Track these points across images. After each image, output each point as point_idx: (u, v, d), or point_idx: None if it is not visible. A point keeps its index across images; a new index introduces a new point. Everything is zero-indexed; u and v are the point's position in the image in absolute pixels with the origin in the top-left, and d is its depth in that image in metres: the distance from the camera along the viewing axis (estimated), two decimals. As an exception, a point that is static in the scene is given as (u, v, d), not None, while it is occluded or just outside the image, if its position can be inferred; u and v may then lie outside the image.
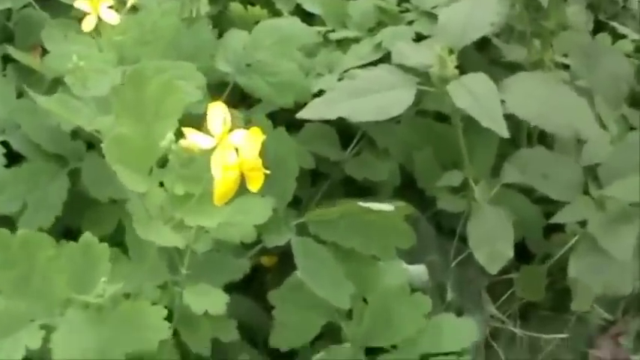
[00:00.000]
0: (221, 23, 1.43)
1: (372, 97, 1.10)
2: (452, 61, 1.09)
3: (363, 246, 1.14)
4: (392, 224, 1.13)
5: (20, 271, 0.84)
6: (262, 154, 0.77)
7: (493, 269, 1.18)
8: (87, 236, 0.86)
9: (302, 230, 1.16)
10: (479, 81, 1.09)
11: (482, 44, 1.42)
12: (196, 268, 1.06)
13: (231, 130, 0.77)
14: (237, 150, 0.76)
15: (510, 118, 1.35)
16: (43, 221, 1.18)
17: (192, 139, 0.76)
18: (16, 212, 1.19)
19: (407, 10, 1.43)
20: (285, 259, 1.29)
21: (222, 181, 0.75)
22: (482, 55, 1.43)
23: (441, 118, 1.40)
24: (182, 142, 0.77)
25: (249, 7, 1.43)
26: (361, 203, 1.10)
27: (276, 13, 1.46)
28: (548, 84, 1.12)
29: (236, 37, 1.29)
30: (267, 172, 0.77)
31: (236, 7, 1.44)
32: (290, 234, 1.14)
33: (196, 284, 1.04)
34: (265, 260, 1.31)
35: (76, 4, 1.07)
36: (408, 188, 1.37)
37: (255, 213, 1.05)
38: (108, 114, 1.00)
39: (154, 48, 1.13)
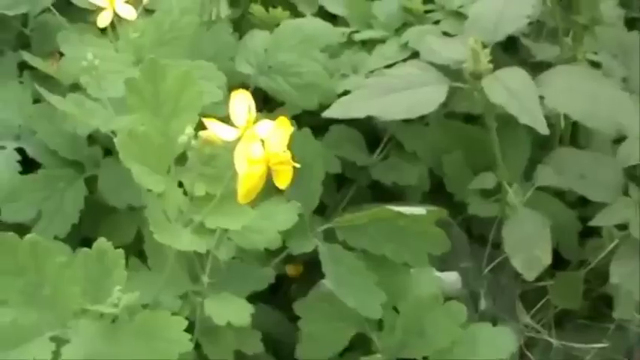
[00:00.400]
0: (242, 26, 1.35)
1: (402, 94, 1.02)
2: (485, 56, 1.00)
3: (394, 253, 1.05)
4: (424, 229, 1.04)
5: (29, 279, 0.76)
6: (290, 148, 0.68)
7: (530, 276, 1.09)
8: (101, 242, 0.78)
9: (329, 237, 1.07)
10: (515, 75, 1.00)
11: (510, 45, 1.34)
12: (218, 276, 0.98)
13: (255, 121, 0.69)
14: (262, 142, 0.68)
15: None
16: (59, 230, 1.10)
17: (214, 129, 0.68)
18: (32, 220, 1.11)
19: (432, 10, 1.35)
20: (310, 268, 1.21)
21: (247, 177, 0.66)
22: (510, 56, 1.35)
23: (470, 119, 1.31)
24: (202, 133, 0.68)
25: (270, 9, 1.35)
26: (392, 207, 1.01)
27: (298, 15, 1.38)
28: (590, 77, 1.03)
29: (257, 38, 1.21)
30: (297, 165, 0.69)
31: (257, 10, 1.36)
32: (317, 241, 1.05)
33: (219, 294, 0.96)
34: (290, 269, 1.22)
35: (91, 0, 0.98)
36: (437, 193, 1.29)
37: (280, 218, 0.97)
38: (124, 115, 0.92)
39: (173, 48, 1.05)
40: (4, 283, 0.75)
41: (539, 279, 1.21)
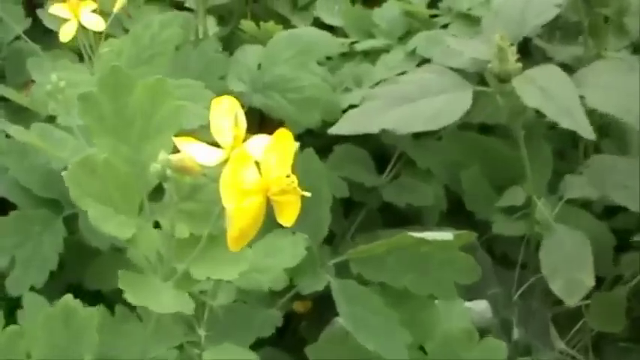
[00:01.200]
0: (232, 44, 1.17)
1: (420, 104, 0.83)
2: (513, 54, 0.81)
3: (417, 285, 0.86)
4: (451, 257, 0.85)
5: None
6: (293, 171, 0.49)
7: (572, 301, 0.90)
8: (67, 300, 0.58)
9: (342, 270, 0.88)
10: (550, 74, 0.82)
11: (521, 47, 1.16)
12: (218, 324, 0.79)
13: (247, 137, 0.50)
14: (258, 165, 0.48)
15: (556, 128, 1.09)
16: (35, 279, 0.92)
17: (189, 151, 0.48)
18: (3, 270, 0.92)
19: (437, 15, 1.16)
20: (321, 303, 1.03)
21: (239, 213, 0.47)
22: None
23: (485, 130, 1.13)
24: (173, 157, 0.49)
25: (262, 23, 1.17)
26: (413, 233, 0.82)
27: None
28: (631, 73, 0.84)
29: (249, 52, 1.03)
30: (306, 194, 0.49)
31: (248, 25, 1.18)
32: (328, 276, 0.86)
33: (219, 344, 0.77)
34: (298, 306, 1.03)
35: (51, 10, 0.80)
36: (456, 212, 1.10)
37: (285, 254, 0.78)
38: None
39: (154, 67, 0.87)
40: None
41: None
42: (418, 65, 1.05)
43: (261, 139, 0.50)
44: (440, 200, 1.05)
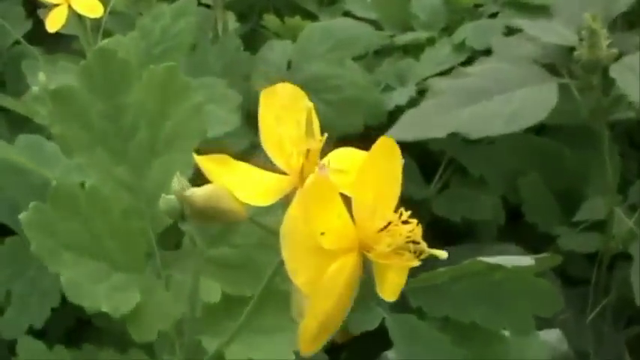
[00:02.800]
0: (253, 43, 0.98)
1: (496, 100, 0.63)
2: (605, 38, 0.62)
3: (487, 318, 0.66)
4: (529, 285, 0.65)
5: None
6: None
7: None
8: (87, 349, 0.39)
9: (397, 303, 0.68)
10: (652, 62, 0.61)
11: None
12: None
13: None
14: (347, 200, 0.27)
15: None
16: (34, 318, 0.72)
17: (224, 179, 0.27)
18: (-1, 306, 0.73)
19: (481, 5, 0.97)
20: (363, 334, 0.83)
21: (321, 290, 0.25)
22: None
23: (538, 131, 0.94)
24: (192, 193, 0.28)
25: (286, 18, 0.98)
26: (484, 259, 0.62)
27: (319, 25, 1.00)
28: None
29: (277, 49, 0.84)
30: (443, 254, 0.30)
31: (271, 21, 0.99)
32: (382, 311, 0.66)
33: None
34: (339, 337, 0.83)
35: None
36: (512, 225, 0.90)
37: (280, 351, 0.57)
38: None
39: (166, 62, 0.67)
40: None
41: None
42: (469, 59, 0.85)
43: (344, 155, 0.30)
44: (498, 212, 0.86)
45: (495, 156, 0.88)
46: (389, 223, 0.27)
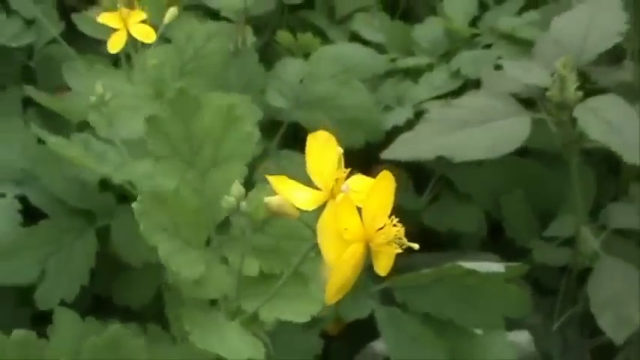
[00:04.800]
0: (267, 57, 1.12)
1: (478, 130, 0.79)
2: (573, 82, 0.77)
3: (462, 316, 0.82)
4: (500, 289, 0.80)
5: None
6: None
7: (620, 338, 0.86)
8: (116, 330, 0.53)
9: (385, 298, 0.83)
10: (612, 105, 0.77)
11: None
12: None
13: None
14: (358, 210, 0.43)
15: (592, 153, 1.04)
16: (66, 292, 0.87)
17: (287, 194, 0.43)
18: (33, 282, 0.87)
19: (478, 35, 1.12)
20: (353, 327, 0.98)
21: (342, 262, 0.42)
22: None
23: (521, 154, 1.08)
24: (269, 200, 0.44)
25: (299, 35, 1.12)
26: (463, 264, 0.77)
27: (327, 43, 1.15)
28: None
29: (290, 67, 0.98)
30: (415, 246, 0.45)
31: (284, 36, 1.13)
32: (372, 303, 0.81)
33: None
34: (331, 327, 0.98)
35: (100, 19, 0.75)
36: (494, 238, 1.05)
37: (302, 313, 0.72)
38: (142, 160, 0.68)
39: (197, 79, 0.82)
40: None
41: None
42: (463, 85, 1.00)
43: (358, 181, 0.46)
44: (481, 226, 1.01)
45: (481, 175, 1.03)
46: (384, 225, 0.43)
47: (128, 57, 1.12)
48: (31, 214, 0.94)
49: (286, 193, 0.42)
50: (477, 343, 0.83)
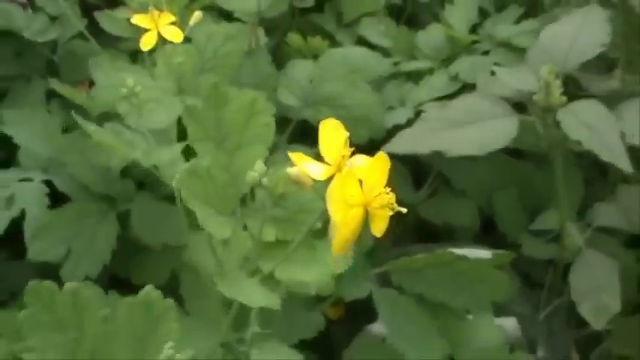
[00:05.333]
0: (277, 57, 1.23)
1: (469, 128, 0.90)
2: (558, 88, 0.88)
3: (452, 299, 0.93)
4: (487, 274, 0.91)
5: (69, 335, 0.62)
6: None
7: (598, 324, 0.96)
8: (148, 291, 0.64)
9: (383, 281, 0.94)
10: (592, 109, 0.88)
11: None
12: (264, 324, 0.84)
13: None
14: (360, 182, 0.55)
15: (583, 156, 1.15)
16: (89, 270, 0.98)
17: (304, 166, 0.55)
18: (60, 259, 0.97)
19: (477, 41, 1.23)
20: (352, 311, 1.08)
21: (346, 222, 0.53)
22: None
23: (517, 155, 1.19)
24: (290, 170, 0.55)
25: (309, 38, 1.23)
26: (455, 250, 0.88)
27: (335, 45, 1.26)
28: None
29: (300, 68, 1.09)
30: (403, 210, 0.56)
31: (294, 39, 1.24)
32: (370, 285, 0.91)
33: (266, 343, 0.82)
34: (331, 312, 1.08)
35: (133, 20, 0.86)
36: (486, 233, 1.16)
37: (311, 275, 0.83)
38: (167, 147, 0.79)
39: (216, 76, 0.92)
40: (41, 340, 0.62)
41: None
42: (460, 89, 1.11)
43: (361, 160, 0.57)
44: (474, 220, 1.11)
45: (476, 173, 1.14)
46: (380, 194, 0.54)
47: (150, 52, 1.23)
48: (56, 199, 1.05)
49: (303, 165, 0.53)
50: (467, 325, 0.94)
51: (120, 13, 1.04)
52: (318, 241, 0.61)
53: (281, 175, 0.57)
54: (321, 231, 0.57)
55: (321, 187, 0.54)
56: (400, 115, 1.06)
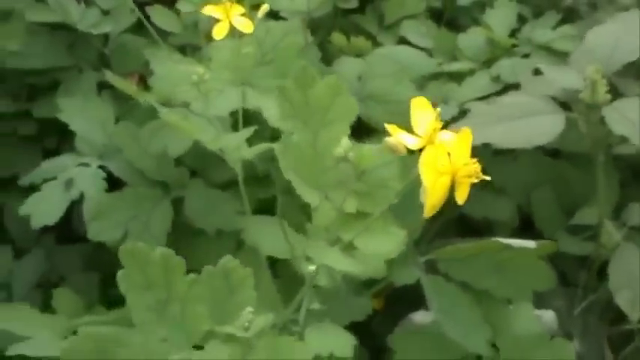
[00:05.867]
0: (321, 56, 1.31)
1: (518, 123, 0.97)
2: (603, 86, 0.95)
3: (496, 287, 0.99)
4: (531, 264, 0.98)
5: (159, 296, 0.70)
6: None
7: (635, 315, 1.03)
8: (228, 260, 0.71)
9: (430, 268, 1.01)
10: (636, 106, 0.95)
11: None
12: (318, 304, 0.91)
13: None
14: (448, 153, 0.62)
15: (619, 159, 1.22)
16: (145, 252, 1.03)
17: (400, 136, 0.62)
18: (117, 240, 1.05)
19: (516, 45, 1.30)
20: (393, 302, 1.15)
21: (436, 188, 0.61)
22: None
23: (555, 155, 1.26)
24: (388, 139, 0.63)
25: (352, 38, 1.31)
26: (501, 239, 0.95)
27: (377, 46, 1.34)
28: None
29: (348, 65, 1.16)
30: (487, 178, 0.63)
31: (338, 38, 1.32)
32: (419, 272, 0.98)
33: (319, 323, 0.89)
34: (374, 303, 1.15)
35: (204, 11, 0.93)
36: (524, 229, 1.23)
37: (386, 247, 0.90)
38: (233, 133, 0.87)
39: (274, 70, 1.00)
40: (133, 298, 0.69)
41: (625, 322, 1.15)
42: (502, 90, 1.19)
43: (447, 134, 0.64)
44: (513, 217, 1.18)
45: (516, 171, 1.21)
46: (465, 163, 0.61)
47: (194, 49, 1.31)
48: (111, 184, 1.13)
49: (399, 136, 0.61)
50: (508, 313, 1.00)
51: (183, 6, 1.11)
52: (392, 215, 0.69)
53: (364, 152, 0.64)
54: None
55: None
56: (445, 112, 1.13)
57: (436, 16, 1.44)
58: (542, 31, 1.29)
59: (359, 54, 1.30)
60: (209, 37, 1.17)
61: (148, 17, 1.28)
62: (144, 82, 1.29)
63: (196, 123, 0.91)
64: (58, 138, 1.30)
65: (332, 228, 0.70)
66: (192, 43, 1.29)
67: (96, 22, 1.28)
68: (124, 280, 0.70)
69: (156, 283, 0.69)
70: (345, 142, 0.65)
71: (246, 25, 0.90)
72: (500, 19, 1.31)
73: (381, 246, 0.69)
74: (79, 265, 1.24)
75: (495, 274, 0.99)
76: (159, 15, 1.27)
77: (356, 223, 0.69)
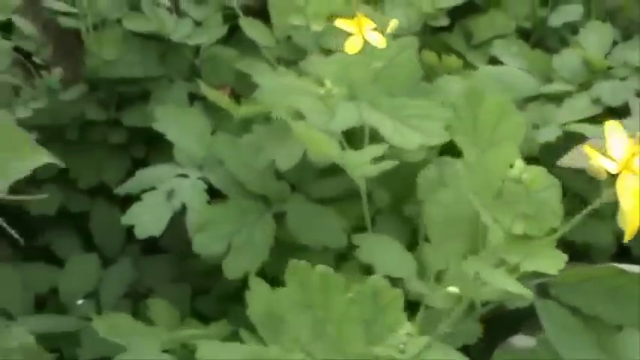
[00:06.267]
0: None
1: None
2: None
3: (607, 313, 0.99)
4: (642, 290, 0.99)
5: (318, 315, 0.71)
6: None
7: None
8: (376, 280, 0.73)
9: (541, 291, 1.02)
10: None
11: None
12: (431, 325, 0.92)
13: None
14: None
15: None
16: (248, 265, 1.06)
17: (599, 160, 0.64)
18: (220, 254, 1.06)
19: (611, 67, 1.31)
20: (490, 327, 1.16)
21: (636, 213, 0.62)
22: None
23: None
24: (591, 162, 0.64)
25: (443, 56, 1.32)
26: (617, 265, 0.96)
27: (468, 65, 1.35)
28: None
29: (452, 83, 1.17)
30: None
31: (429, 56, 1.33)
32: (531, 295, 0.99)
33: (438, 344, 0.90)
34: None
35: (336, 24, 0.94)
36: (621, 256, 1.23)
37: (551, 269, 0.89)
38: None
39: (388, 85, 1.02)
40: (294, 316, 0.70)
41: None
42: (603, 112, 1.20)
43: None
44: (612, 241, 1.19)
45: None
46: None
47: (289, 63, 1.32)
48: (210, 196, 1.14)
49: (599, 160, 0.63)
50: (619, 340, 1.01)
51: (294, 19, 1.13)
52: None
53: (536, 174, 0.66)
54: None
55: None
56: (550, 133, 1.15)
57: (524, 36, 1.45)
58: (633, 53, 1.30)
59: (449, 72, 1.32)
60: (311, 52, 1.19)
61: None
62: (234, 95, 1.32)
63: (324, 137, 0.92)
64: (146, 147, 1.33)
65: (499, 250, 0.71)
66: (284, 56, 1.31)
67: (189, 32, 1.30)
68: (285, 299, 0.71)
69: (316, 302, 0.70)
70: (519, 163, 0.66)
71: (379, 41, 0.92)
72: (594, 40, 1.32)
73: (545, 269, 0.70)
74: (168, 276, 1.26)
75: (607, 300, 0.99)
76: (251, 28, 1.29)
77: (520, 246, 0.70)
